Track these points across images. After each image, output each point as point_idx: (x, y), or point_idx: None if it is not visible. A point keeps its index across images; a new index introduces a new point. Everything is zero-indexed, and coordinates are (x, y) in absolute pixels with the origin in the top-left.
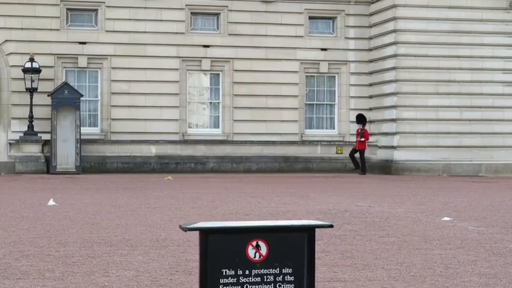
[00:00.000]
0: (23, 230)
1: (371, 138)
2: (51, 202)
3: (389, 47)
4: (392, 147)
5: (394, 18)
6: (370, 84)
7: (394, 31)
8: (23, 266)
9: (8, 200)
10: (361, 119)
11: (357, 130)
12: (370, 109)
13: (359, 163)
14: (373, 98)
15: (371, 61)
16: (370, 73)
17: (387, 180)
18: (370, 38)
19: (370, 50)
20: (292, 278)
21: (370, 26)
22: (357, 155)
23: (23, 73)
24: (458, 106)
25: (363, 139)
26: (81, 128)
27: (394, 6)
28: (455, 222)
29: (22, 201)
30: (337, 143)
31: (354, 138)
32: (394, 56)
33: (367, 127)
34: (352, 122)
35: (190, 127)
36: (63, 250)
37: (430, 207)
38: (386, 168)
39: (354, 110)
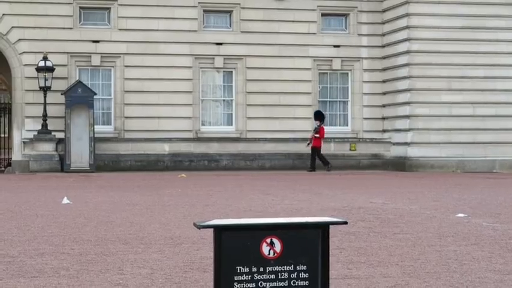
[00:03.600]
0: (37, 228)
1: (384, 135)
2: (65, 200)
3: (402, 44)
4: (406, 144)
5: (407, 15)
6: (384, 81)
7: (407, 27)
8: (38, 264)
9: (22, 198)
10: (318, 116)
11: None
12: (384, 106)
13: (326, 159)
14: (387, 94)
15: (384, 58)
16: (383, 70)
17: (401, 177)
18: (383, 35)
19: (383, 46)
20: (306, 275)
21: (383, 23)
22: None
23: (36, 72)
24: (471, 102)
25: (317, 135)
26: (95, 126)
27: (407, 2)
28: (469, 219)
29: (36, 199)
30: (350, 139)
31: (367, 135)
32: (407, 52)
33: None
34: (365, 118)
35: (204, 125)
36: (77, 248)
37: (444, 204)
38: (400, 164)
39: (368, 106)
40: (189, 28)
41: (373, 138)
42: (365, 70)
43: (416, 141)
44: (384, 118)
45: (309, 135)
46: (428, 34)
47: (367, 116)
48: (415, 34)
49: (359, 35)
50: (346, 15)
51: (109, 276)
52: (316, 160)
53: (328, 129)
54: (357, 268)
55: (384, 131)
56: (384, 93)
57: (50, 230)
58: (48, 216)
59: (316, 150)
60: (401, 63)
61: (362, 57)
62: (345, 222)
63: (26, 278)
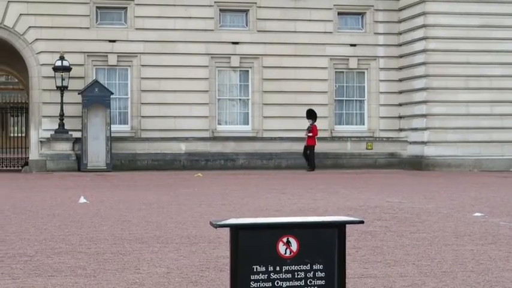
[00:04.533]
0: (54, 228)
1: (401, 134)
2: (82, 200)
3: (418, 42)
4: (423, 143)
5: (423, 13)
6: (400, 80)
7: (424, 26)
8: (55, 263)
9: (39, 197)
10: (310, 114)
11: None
12: (400, 104)
13: (314, 161)
14: (403, 93)
15: (400, 56)
16: (400, 68)
17: (418, 176)
18: (400, 33)
19: (399, 45)
20: (323, 274)
21: (399, 21)
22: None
23: (53, 71)
24: (488, 101)
25: (310, 134)
26: (112, 126)
27: (423, 1)
28: (486, 218)
29: (53, 198)
30: (367, 138)
31: (384, 134)
32: (424, 51)
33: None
34: (382, 117)
35: (220, 124)
36: (94, 247)
37: (461, 203)
38: (417, 163)
39: (384, 105)
40: (205, 27)
41: (390, 137)
42: (381, 69)
43: (433, 140)
44: (400, 117)
45: (307, 134)
46: (445, 33)
47: (384, 115)
48: (432, 33)
49: (375, 33)
50: (362, 14)
51: (126, 275)
52: (314, 157)
53: (345, 128)
54: (373, 267)
55: (401, 129)
56: (400, 92)
57: (66, 229)
58: (65, 215)
59: (309, 148)
60: (417, 62)
61: (378, 56)
62: (362, 222)
63: (43, 277)
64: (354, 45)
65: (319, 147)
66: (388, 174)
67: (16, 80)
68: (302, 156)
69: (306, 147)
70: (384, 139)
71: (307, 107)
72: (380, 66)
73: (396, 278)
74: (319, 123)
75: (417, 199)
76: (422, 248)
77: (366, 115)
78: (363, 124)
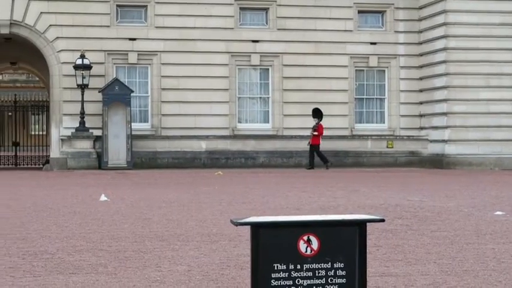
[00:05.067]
0: (75, 225)
1: (422, 132)
2: (103, 197)
3: (439, 41)
4: (443, 141)
5: (444, 11)
6: (420, 78)
7: (444, 24)
8: (76, 261)
9: (60, 195)
10: (316, 113)
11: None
12: (421, 103)
13: (325, 157)
14: (424, 91)
15: (421, 55)
16: (420, 67)
17: (438, 174)
18: (420, 32)
19: (419, 43)
20: (343, 273)
21: (420, 20)
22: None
23: (74, 70)
24: (509, 99)
25: (315, 133)
26: (132, 124)
27: None
28: (507, 217)
29: (74, 196)
30: (387, 137)
31: (404, 132)
32: (444, 49)
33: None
34: (402, 116)
35: (240, 122)
36: (115, 245)
37: (482, 201)
38: (437, 162)
39: (404, 104)
40: (226, 26)
41: (410, 136)
42: (402, 67)
43: (454, 139)
44: (421, 115)
45: (313, 133)
46: (465, 31)
47: (404, 113)
48: (452, 31)
49: (396, 32)
50: (382, 12)
51: (146, 273)
52: (315, 158)
53: (365, 127)
54: (394, 266)
55: (421, 128)
56: (421, 91)
57: (87, 227)
58: (86, 213)
59: (314, 148)
60: (438, 60)
61: (399, 55)
62: (382, 220)
63: (64, 275)
64: (374, 43)
65: (339, 145)
66: (409, 172)
67: (37, 79)
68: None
69: (311, 146)
70: (405, 137)
71: (327, 106)
72: (400, 65)
73: (417, 276)
74: (339, 122)
75: (438, 197)
76: (443, 247)
77: (387, 113)
78: (383, 122)
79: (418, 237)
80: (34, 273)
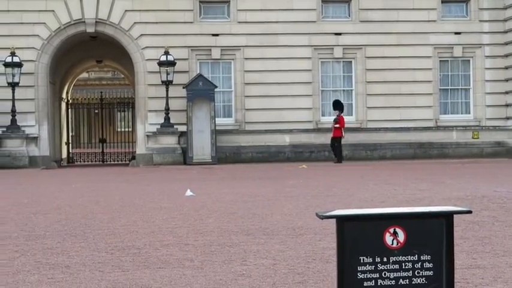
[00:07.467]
0: (161, 220)
1: (508, 122)
2: (188, 192)
3: None
4: None
5: None
6: (506, 67)
7: None
8: (163, 256)
9: (146, 191)
10: (337, 105)
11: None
12: (507, 92)
13: (341, 153)
14: (510, 81)
15: (506, 44)
16: (506, 56)
17: None
18: (505, 20)
19: (505, 32)
20: (430, 265)
21: (505, 8)
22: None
23: (158, 66)
24: None
25: (337, 125)
26: (216, 119)
27: None
28: None
29: (160, 192)
30: (473, 127)
31: (490, 123)
32: None
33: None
34: (488, 106)
35: (324, 115)
36: (201, 239)
37: None
38: None
39: (490, 94)
40: (308, 19)
41: (497, 126)
42: (487, 57)
43: None
44: (507, 105)
45: (334, 125)
46: None
47: (490, 103)
48: None
49: (480, 21)
50: (466, 2)
51: (232, 267)
52: (342, 149)
53: (450, 118)
54: (481, 258)
55: (508, 118)
56: (507, 80)
57: (173, 221)
58: (171, 208)
59: (336, 140)
60: None
61: (483, 44)
62: (469, 212)
63: (152, 269)
64: (459, 33)
65: (424, 137)
66: (495, 163)
67: (122, 76)
68: (406, 147)
69: (332, 139)
70: (491, 128)
71: (411, 97)
72: (485, 54)
73: (505, 268)
74: (423, 113)
75: None
76: None
77: (472, 104)
78: (469, 113)
79: (505, 228)
80: (122, 268)
